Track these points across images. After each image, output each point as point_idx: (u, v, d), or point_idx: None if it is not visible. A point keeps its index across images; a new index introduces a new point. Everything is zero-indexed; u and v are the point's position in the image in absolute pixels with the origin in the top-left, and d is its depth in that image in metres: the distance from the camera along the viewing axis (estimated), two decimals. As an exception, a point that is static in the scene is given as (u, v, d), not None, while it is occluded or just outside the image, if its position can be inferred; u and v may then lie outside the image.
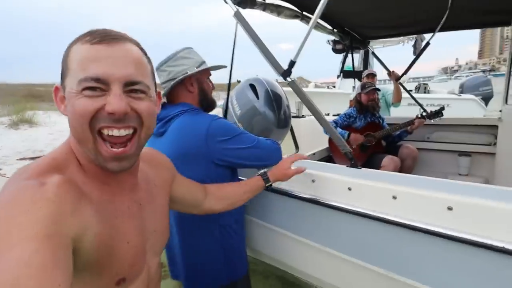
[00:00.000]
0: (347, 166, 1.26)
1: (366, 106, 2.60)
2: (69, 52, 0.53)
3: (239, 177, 1.45)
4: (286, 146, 2.82)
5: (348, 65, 3.65)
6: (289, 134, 2.35)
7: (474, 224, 0.86)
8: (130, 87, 0.55)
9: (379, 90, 2.68)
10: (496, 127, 2.44)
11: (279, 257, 1.52)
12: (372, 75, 3.46)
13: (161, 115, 1.15)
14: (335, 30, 2.81)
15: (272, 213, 1.44)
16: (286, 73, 1.34)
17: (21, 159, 6.45)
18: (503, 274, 0.83)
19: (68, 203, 0.48)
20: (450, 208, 0.90)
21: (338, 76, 7.25)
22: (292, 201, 1.30)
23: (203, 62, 1.21)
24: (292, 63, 1.34)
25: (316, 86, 9.91)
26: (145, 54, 0.61)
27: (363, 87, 2.62)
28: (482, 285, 0.88)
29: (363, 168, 1.22)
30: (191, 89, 1.19)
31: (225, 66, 1.35)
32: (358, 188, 1.10)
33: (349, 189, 1.12)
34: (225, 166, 1.14)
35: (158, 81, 0.96)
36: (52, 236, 0.42)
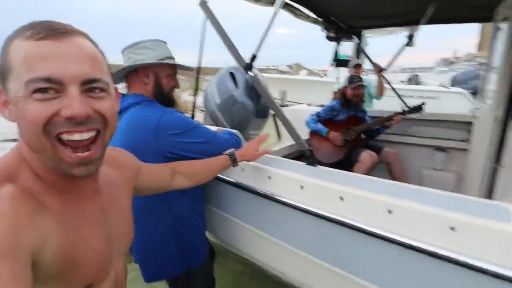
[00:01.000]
0: (306, 164, 1.26)
1: (350, 101, 2.58)
2: (9, 49, 0.46)
3: (222, 176, 1.46)
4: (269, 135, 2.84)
5: (342, 53, 3.61)
6: (272, 123, 2.34)
7: (410, 227, 0.88)
8: (88, 86, 0.50)
9: (366, 87, 2.65)
10: (470, 124, 2.46)
11: (237, 245, 1.57)
12: (358, 66, 3.43)
13: None
14: (319, 19, 2.75)
15: (229, 204, 1.47)
16: (248, 67, 1.31)
17: (3, 140, 6.31)
18: (432, 276, 0.86)
19: (24, 215, 0.44)
20: (390, 212, 0.92)
21: (331, 64, 7.18)
22: (248, 195, 1.32)
23: (169, 58, 1.17)
24: (253, 57, 1.31)
25: (310, 73, 9.82)
26: (97, 46, 0.55)
27: (350, 81, 2.57)
28: (415, 284, 0.91)
29: (319, 167, 1.23)
30: (145, 80, 1.14)
31: (191, 69, 1.31)
32: (310, 187, 1.11)
33: (301, 187, 1.14)
34: (178, 159, 1.12)
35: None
36: (9, 253, 0.40)
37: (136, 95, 1.14)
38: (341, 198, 1.02)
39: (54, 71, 0.46)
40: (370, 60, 3.06)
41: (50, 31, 0.47)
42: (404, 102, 2.76)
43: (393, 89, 2.97)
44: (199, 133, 1.15)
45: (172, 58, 1.18)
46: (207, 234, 1.55)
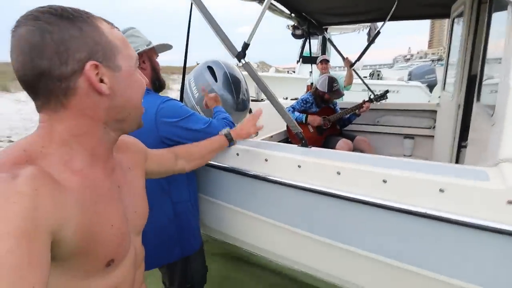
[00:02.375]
0: (298, 146, 1.31)
1: (326, 101, 2.71)
2: (102, 32, 0.54)
3: (216, 163, 1.45)
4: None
5: (308, 51, 3.77)
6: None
7: (404, 194, 0.97)
8: None
9: (342, 95, 2.77)
10: (435, 112, 2.70)
11: (231, 233, 1.59)
12: (326, 61, 3.62)
13: None
14: (292, 14, 2.85)
15: (224, 191, 1.48)
16: (240, 55, 1.34)
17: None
18: (426, 236, 0.96)
19: (44, 196, 0.44)
20: (384, 181, 1.00)
21: (298, 61, 7.41)
22: (245, 179, 1.34)
23: (151, 42, 1.20)
24: (245, 45, 1.34)
25: (277, 71, 10.01)
26: None
27: (330, 88, 2.61)
28: (410, 248, 1.00)
29: (312, 147, 1.29)
30: (144, 66, 1.18)
31: (171, 47, 1.31)
32: (307, 166, 1.17)
33: (299, 166, 1.18)
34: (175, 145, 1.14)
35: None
36: (28, 233, 0.40)
37: None
38: (338, 173, 1.09)
39: None
40: (341, 55, 3.22)
41: (111, 23, 0.59)
42: (371, 90, 2.95)
43: (363, 80, 3.17)
44: (195, 120, 1.18)
45: (151, 42, 1.21)
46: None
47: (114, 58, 0.55)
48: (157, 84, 1.24)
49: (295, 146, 1.32)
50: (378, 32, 2.93)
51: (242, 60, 1.34)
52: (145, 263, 1.18)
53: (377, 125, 3.06)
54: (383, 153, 2.95)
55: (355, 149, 2.63)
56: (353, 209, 1.07)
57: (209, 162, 1.35)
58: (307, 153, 1.22)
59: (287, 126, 2.70)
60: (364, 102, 2.61)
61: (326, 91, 2.63)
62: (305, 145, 1.30)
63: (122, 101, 0.58)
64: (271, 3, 2.52)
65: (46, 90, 0.50)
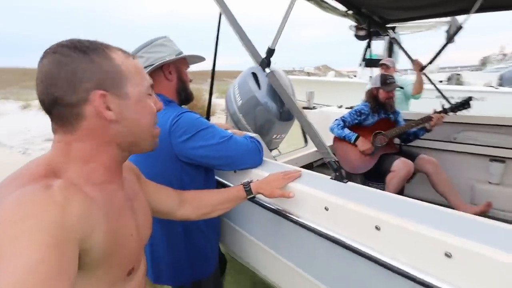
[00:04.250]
0: (331, 178, 1.02)
1: (382, 104, 2.26)
2: (113, 62, 0.57)
3: (217, 178, 1.30)
4: (294, 139, 2.60)
5: (372, 53, 3.28)
6: (298, 126, 2.11)
7: (473, 276, 0.62)
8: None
9: (402, 88, 2.32)
10: None
11: (249, 261, 1.44)
12: (386, 66, 3.10)
13: None
14: (349, 12, 2.48)
15: (242, 218, 1.31)
16: (264, 63, 1.11)
17: (48, 140, 6.75)
18: None
19: (75, 205, 0.47)
20: (448, 255, 0.66)
21: (360, 65, 6.71)
22: (265, 212, 1.12)
23: (181, 52, 1.12)
24: (270, 51, 1.11)
25: (337, 74, 9.36)
26: None
27: (384, 81, 2.22)
28: None
29: (349, 183, 0.98)
30: (170, 78, 1.11)
31: (204, 59, 1.23)
32: (336, 210, 0.88)
33: (326, 208, 0.90)
34: (192, 164, 1.05)
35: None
36: (58, 243, 0.42)
37: (156, 95, 1.06)
38: (377, 228, 0.78)
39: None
40: (409, 56, 2.71)
41: (128, 52, 0.62)
42: (446, 98, 2.39)
43: (435, 86, 2.61)
44: (212, 134, 1.04)
45: (182, 52, 1.14)
46: (221, 245, 1.46)
47: (122, 86, 0.58)
48: (183, 95, 1.16)
49: (327, 178, 1.03)
50: (460, 27, 2.36)
51: (267, 69, 1.11)
52: (153, 276, 1.18)
53: (453, 142, 2.44)
54: (458, 178, 2.36)
55: (418, 171, 2.14)
56: (395, 283, 0.74)
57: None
58: (340, 191, 0.93)
59: (334, 140, 2.34)
60: (436, 112, 2.07)
61: (380, 85, 2.22)
62: (339, 178, 1.00)
63: (131, 126, 0.60)
64: (322, 0, 2.22)
65: (59, 115, 0.55)
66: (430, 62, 2.56)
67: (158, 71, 1.09)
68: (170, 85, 1.13)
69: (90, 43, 0.56)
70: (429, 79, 2.69)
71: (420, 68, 2.68)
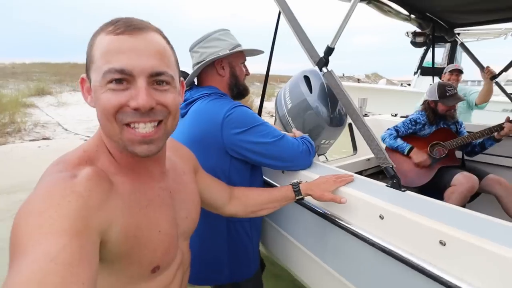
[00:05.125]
0: (387, 185, 0.96)
1: (442, 116, 2.06)
2: (93, 42, 0.52)
3: (264, 177, 1.31)
4: (343, 146, 2.51)
5: (429, 61, 3.04)
6: (348, 133, 2.04)
7: None
8: (155, 78, 0.53)
9: (463, 99, 2.09)
10: None
11: (289, 266, 1.40)
12: (458, 72, 2.81)
13: (185, 96, 1.11)
14: (412, 16, 2.33)
15: (288, 221, 1.27)
16: (321, 62, 1.09)
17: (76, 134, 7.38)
18: None
19: (96, 196, 0.48)
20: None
21: (415, 73, 6.24)
22: (313, 216, 1.08)
23: (238, 45, 1.11)
24: (329, 50, 1.08)
25: (388, 82, 8.84)
26: (168, 42, 0.59)
27: (443, 94, 1.99)
28: None
29: (407, 191, 0.92)
30: (222, 73, 1.12)
31: (262, 52, 1.21)
32: (392, 219, 0.82)
33: (381, 217, 0.85)
34: (241, 159, 1.05)
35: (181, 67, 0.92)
36: (80, 232, 0.43)
37: (210, 87, 1.11)
38: (442, 243, 0.71)
39: (127, 63, 0.50)
40: (479, 64, 2.46)
41: (127, 26, 0.51)
42: None
43: (507, 94, 2.33)
44: (264, 132, 1.03)
45: (240, 45, 1.12)
46: (260, 246, 1.43)
47: (89, 69, 0.53)
48: (235, 91, 1.16)
49: (383, 185, 0.97)
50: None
51: (324, 68, 1.09)
52: (191, 277, 1.13)
53: None
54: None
55: (483, 191, 1.92)
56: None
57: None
58: (397, 199, 0.87)
59: (385, 150, 2.20)
60: (509, 120, 1.83)
61: (437, 98, 1.99)
62: (396, 185, 0.94)
63: (99, 117, 0.54)
64: (382, 3, 2.12)
65: None
66: (505, 70, 2.30)
67: (211, 66, 1.10)
68: (222, 80, 1.13)
69: (105, 23, 0.53)
70: (502, 88, 2.42)
71: (492, 76, 2.42)
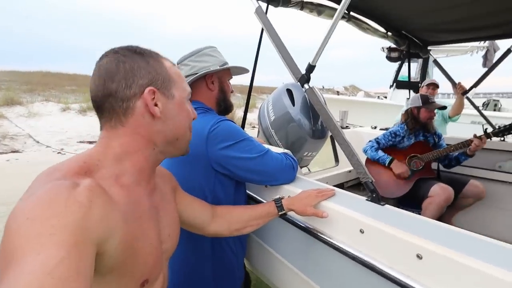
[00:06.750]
0: (367, 199, 0.99)
1: (423, 124, 2.16)
2: (163, 65, 0.64)
3: (248, 192, 1.30)
4: (325, 157, 2.55)
5: (403, 75, 3.21)
6: (329, 145, 2.07)
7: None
8: None
9: (445, 108, 2.21)
10: None
11: (274, 281, 1.38)
12: (435, 86, 2.97)
13: None
14: (389, 33, 2.45)
15: (271, 235, 1.27)
16: (303, 79, 1.12)
17: (80, 142, 7.16)
18: None
19: (98, 207, 0.48)
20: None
21: (391, 86, 6.51)
22: (293, 229, 1.09)
23: (226, 63, 1.15)
24: (310, 68, 1.12)
25: (366, 95, 9.14)
26: None
27: (425, 100, 2.12)
28: None
29: (386, 205, 0.94)
30: (211, 87, 1.14)
31: (247, 71, 1.25)
32: (372, 233, 0.84)
33: (361, 231, 0.87)
34: (225, 174, 1.04)
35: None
36: (79, 244, 0.42)
37: (195, 102, 1.12)
38: (419, 257, 0.73)
39: None
40: (451, 80, 2.61)
41: (173, 62, 0.69)
42: (489, 122, 2.24)
43: (479, 111, 2.47)
44: (250, 147, 1.03)
45: (227, 63, 1.16)
46: (245, 261, 1.41)
47: (170, 87, 0.64)
48: (223, 106, 1.18)
49: (363, 199, 1.00)
50: (509, 51, 2.25)
51: (306, 85, 1.12)
52: None
53: (498, 171, 2.28)
54: (506, 210, 2.18)
55: (464, 197, 2.01)
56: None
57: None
58: (376, 213, 0.89)
59: (366, 161, 2.26)
60: (476, 137, 1.93)
61: (421, 104, 2.11)
62: (376, 200, 0.96)
63: (171, 126, 0.65)
64: (361, 21, 2.22)
65: (110, 109, 0.59)
66: (475, 86, 2.46)
67: (200, 80, 1.11)
68: (211, 95, 1.14)
69: (147, 50, 0.64)
70: (472, 103, 2.57)
71: (463, 91, 2.56)
